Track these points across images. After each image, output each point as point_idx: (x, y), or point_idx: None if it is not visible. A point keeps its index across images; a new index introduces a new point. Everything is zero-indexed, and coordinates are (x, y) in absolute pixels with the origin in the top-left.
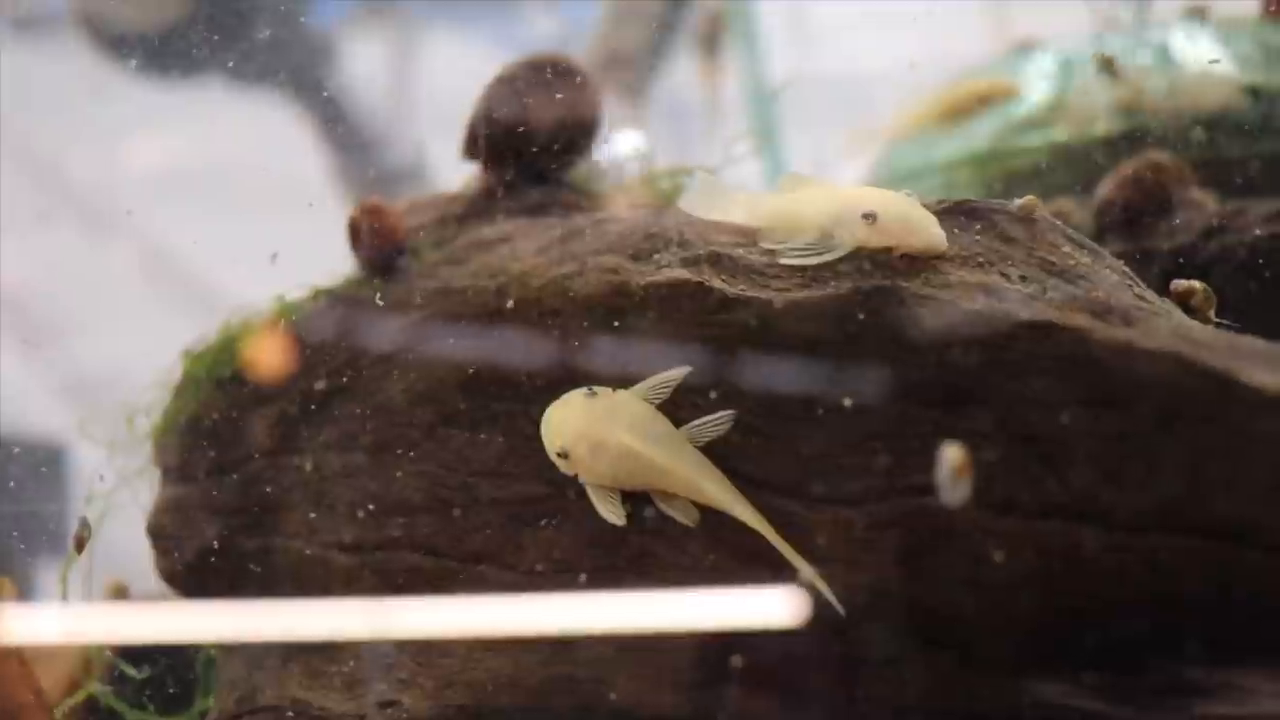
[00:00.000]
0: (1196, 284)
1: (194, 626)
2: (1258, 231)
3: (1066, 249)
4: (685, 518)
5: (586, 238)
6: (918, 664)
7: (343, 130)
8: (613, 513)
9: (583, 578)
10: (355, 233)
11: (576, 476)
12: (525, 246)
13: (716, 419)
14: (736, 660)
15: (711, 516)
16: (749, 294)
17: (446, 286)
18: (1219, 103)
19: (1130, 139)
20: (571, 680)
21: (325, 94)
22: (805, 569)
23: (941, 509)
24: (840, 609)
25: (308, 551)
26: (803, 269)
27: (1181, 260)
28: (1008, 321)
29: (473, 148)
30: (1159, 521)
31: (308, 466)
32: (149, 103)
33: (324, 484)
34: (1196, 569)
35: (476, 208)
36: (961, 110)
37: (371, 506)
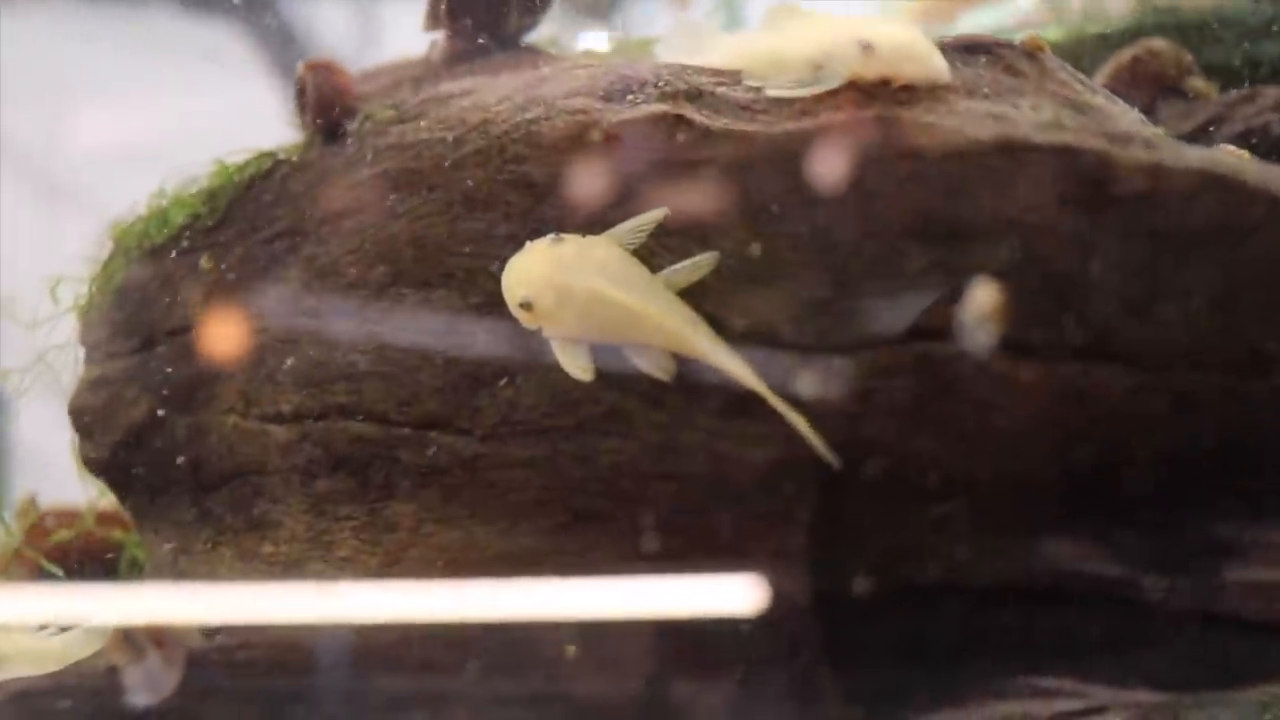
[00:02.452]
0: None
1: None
2: (1268, 117)
3: (1078, 86)
4: (661, 370)
5: (553, 83)
6: (921, 526)
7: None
8: (579, 366)
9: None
10: (301, 92)
11: (540, 331)
12: (487, 97)
13: (696, 262)
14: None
15: (690, 371)
16: (733, 127)
17: (399, 142)
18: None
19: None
20: (532, 552)
21: (278, 21)
22: (794, 419)
23: (948, 355)
24: (834, 461)
25: (243, 425)
26: (792, 101)
27: None
28: (1022, 145)
29: (434, 17)
30: (1188, 358)
31: (246, 336)
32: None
33: (264, 354)
34: (1230, 409)
35: (435, 70)
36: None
37: (314, 374)
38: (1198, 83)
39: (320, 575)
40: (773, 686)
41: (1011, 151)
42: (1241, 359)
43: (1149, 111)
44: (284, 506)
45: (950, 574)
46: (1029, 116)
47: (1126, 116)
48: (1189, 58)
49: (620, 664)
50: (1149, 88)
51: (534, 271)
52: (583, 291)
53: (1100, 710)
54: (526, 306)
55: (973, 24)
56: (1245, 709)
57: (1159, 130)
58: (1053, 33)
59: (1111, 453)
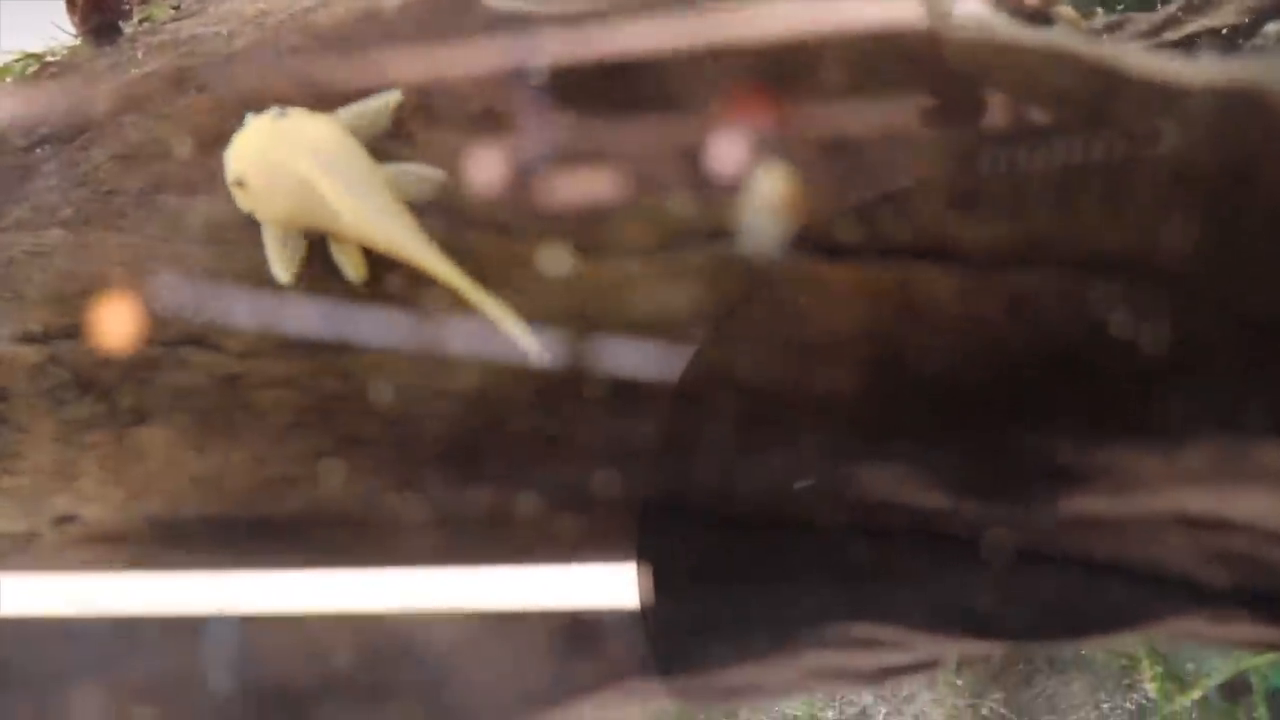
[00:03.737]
0: None
1: None
2: (1141, 44)
3: None
4: (352, 271)
5: None
6: (725, 451)
7: None
8: (282, 265)
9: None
10: None
11: (254, 215)
12: None
13: (427, 172)
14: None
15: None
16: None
17: (173, 39)
18: None
19: None
20: (286, 481)
21: None
22: (501, 315)
23: (746, 258)
24: (544, 357)
25: None
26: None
27: None
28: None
29: None
30: (1023, 255)
31: None
32: None
33: (10, 269)
34: (1071, 313)
35: None
36: None
37: (65, 289)
38: (1066, 10)
39: (62, 509)
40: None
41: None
42: (1088, 256)
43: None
44: (30, 436)
45: (758, 506)
46: None
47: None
48: None
49: None
50: (1011, 12)
51: (249, 147)
52: (292, 173)
53: (930, 664)
54: (240, 184)
55: None
56: (1103, 673)
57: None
58: None
59: (936, 365)
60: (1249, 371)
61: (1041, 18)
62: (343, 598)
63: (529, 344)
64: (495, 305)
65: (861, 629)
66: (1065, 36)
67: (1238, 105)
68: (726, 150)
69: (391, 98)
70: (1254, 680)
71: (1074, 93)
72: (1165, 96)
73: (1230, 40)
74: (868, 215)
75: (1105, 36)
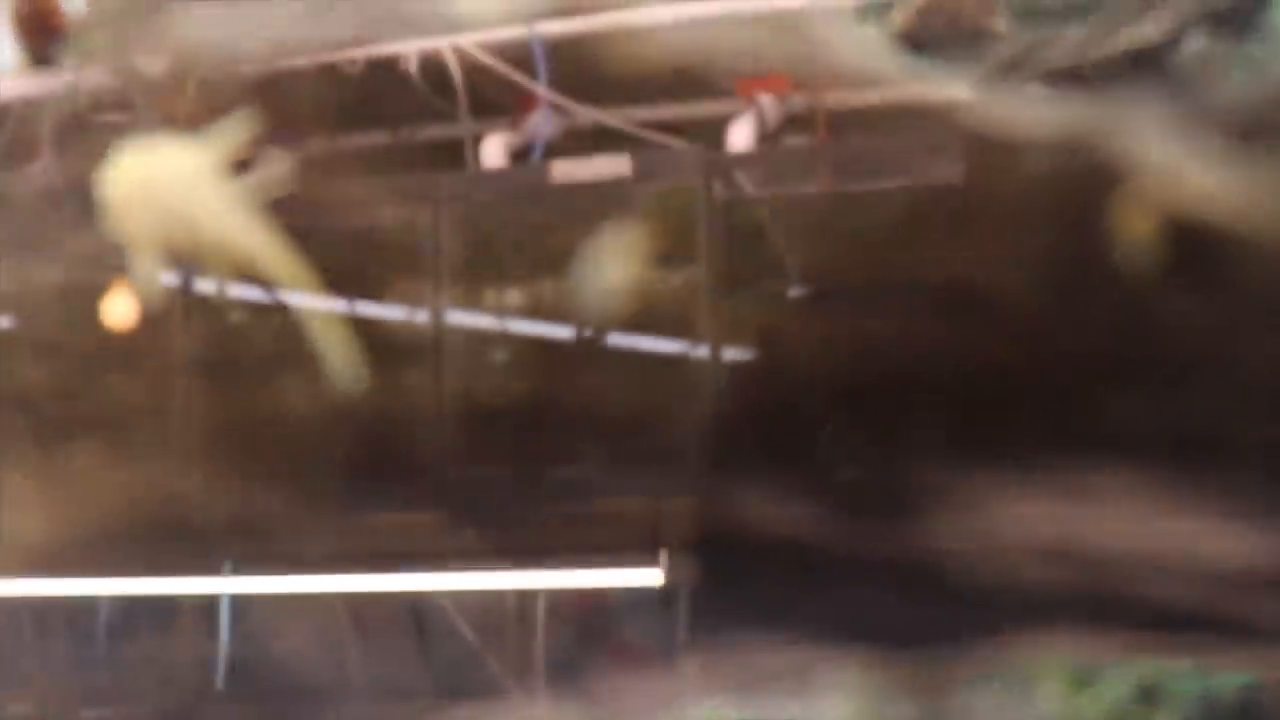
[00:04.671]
0: None
1: None
2: (1065, 60)
3: None
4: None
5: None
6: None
7: None
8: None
9: None
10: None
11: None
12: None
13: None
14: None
15: None
16: None
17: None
18: None
19: None
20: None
21: None
22: (336, 338)
23: None
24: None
25: None
26: None
27: None
28: None
29: None
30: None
31: None
32: None
33: None
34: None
35: None
36: None
37: None
38: (998, 23)
39: None
40: None
41: None
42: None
43: (947, 51)
44: None
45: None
46: None
47: None
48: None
49: None
50: (944, 29)
51: (123, 179)
52: (161, 204)
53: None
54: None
55: None
56: (1012, 680)
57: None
58: None
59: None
60: (1077, 401)
61: (973, 31)
62: None
63: (343, 372)
64: (336, 325)
65: (734, 636)
66: None
67: (1068, 152)
68: None
69: (243, 120)
70: (1158, 683)
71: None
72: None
73: (1153, 57)
74: None
75: (1035, 51)
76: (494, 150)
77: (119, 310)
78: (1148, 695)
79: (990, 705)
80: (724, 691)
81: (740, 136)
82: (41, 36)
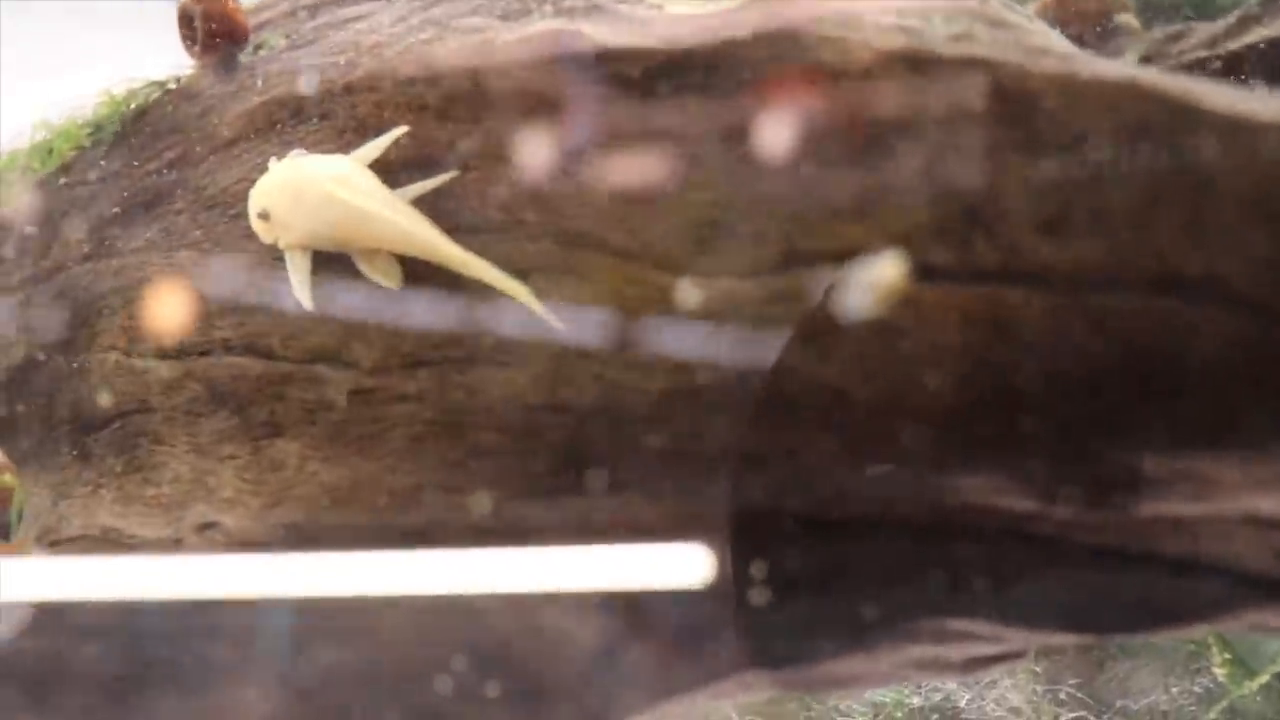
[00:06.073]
0: None
1: None
2: (1200, 54)
3: (996, 3)
4: (387, 279)
5: (452, 3)
6: (821, 459)
7: None
8: (305, 290)
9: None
10: (187, 23)
11: (277, 244)
12: (383, 20)
13: (431, 183)
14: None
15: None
16: (630, 43)
17: (291, 68)
18: None
19: None
20: (421, 489)
21: None
22: (519, 291)
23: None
24: (558, 325)
25: (125, 363)
26: (696, 17)
27: None
28: (930, 58)
29: None
30: (1106, 277)
31: (129, 270)
32: None
33: (146, 288)
34: (1149, 331)
35: None
36: None
37: (197, 308)
38: (1127, 18)
39: (203, 516)
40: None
41: (919, 64)
42: (1164, 279)
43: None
44: (167, 447)
45: (857, 509)
46: (940, 30)
47: (1045, 33)
48: None
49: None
50: (1077, 23)
51: (272, 182)
52: (315, 195)
53: (1017, 655)
54: (264, 216)
55: None
56: (1172, 658)
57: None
58: None
59: (1024, 380)
60: None
61: (1106, 26)
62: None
63: (554, 322)
64: (522, 289)
65: (955, 623)
66: (1145, 72)
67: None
68: (826, 176)
69: (397, 132)
70: None
71: (1154, 125)
72: (1239, 130)
73: None
74: (960, 239)
75: (1167, 46)
76: None
77: None
78: None
79: (1153, 682)
80: (904, 679)
81: None
82: (220, 38)
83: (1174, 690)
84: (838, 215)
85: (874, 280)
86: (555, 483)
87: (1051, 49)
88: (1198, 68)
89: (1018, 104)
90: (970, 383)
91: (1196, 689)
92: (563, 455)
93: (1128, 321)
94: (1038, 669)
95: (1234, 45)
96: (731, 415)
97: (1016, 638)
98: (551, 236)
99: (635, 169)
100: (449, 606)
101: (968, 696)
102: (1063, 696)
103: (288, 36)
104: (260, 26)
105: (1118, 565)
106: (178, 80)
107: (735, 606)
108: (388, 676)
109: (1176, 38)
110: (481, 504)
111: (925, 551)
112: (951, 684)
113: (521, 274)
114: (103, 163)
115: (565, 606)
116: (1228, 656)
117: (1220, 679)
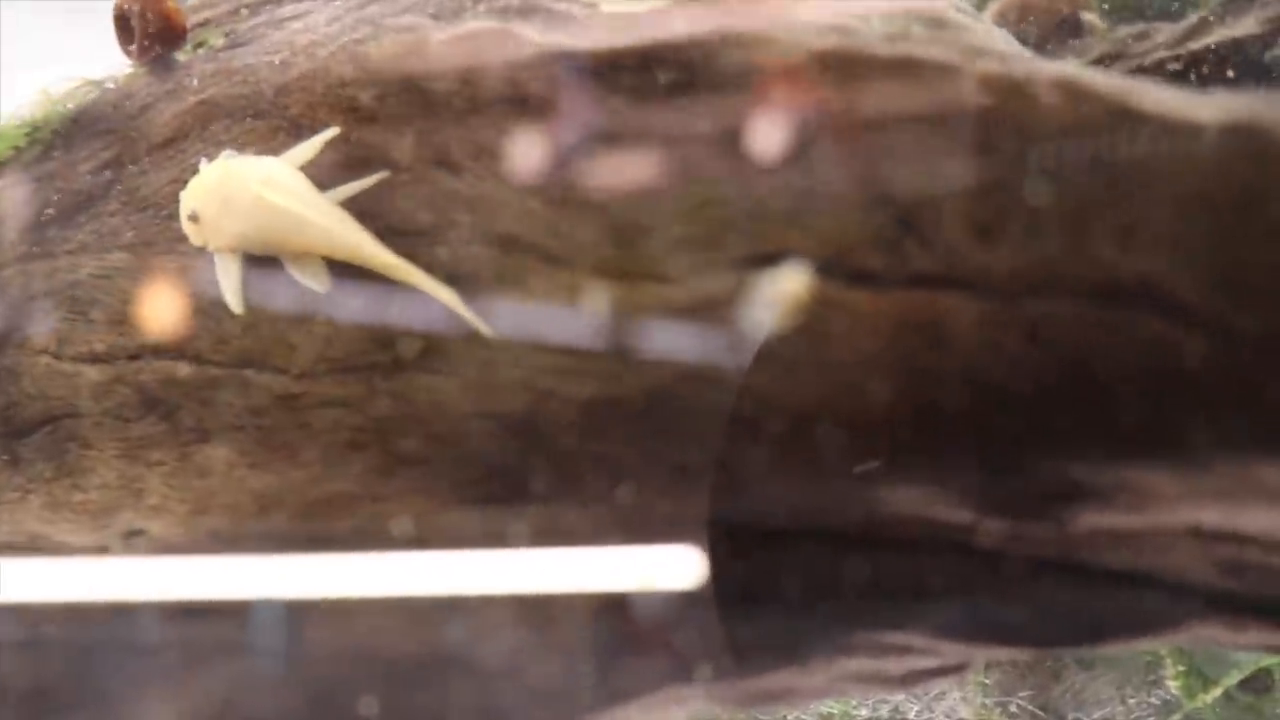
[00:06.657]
0: None
1: None
2: (1162, 54)
3: (940, 4)
4: (316, 283)
5: (386, 2)
6: (750, 469)
7: None
8: (234, 293)
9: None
10: (123, 24)
11: (207, 247)
12: (319, 19)
13: (366, 182)
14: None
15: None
16: (562, 44)
17: (227, 68)
18: None
19: None
20: (347, 496)
21: None
22: (446, 296)
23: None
24: (487, 331)
25: (56, 366)
26: (628, 18)
27: None
28: (863, 58)
29: None
30: (1041, 282)
31: (60, 272)
32: None
33: (76, 291)
34: (1085, 339)
35: None
36: None
37: (128, 311)
38: (1091, 18)
39: (130, 524)
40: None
41: (852, 65)
42: (1101, 286)
43: (1042, 46)
44: (96, 452)
45: (788, 520)
46: (877, 30)
47: (988, 33)
48: None
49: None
50: (1042, 22)
51: (202, 185)
52: (245, 198)
53: (958, 668)
54: (194, 219)
55: None
56: (1129, 669)
57: (1023, 49)
58: None
59: (958, 388)
60: (1251, 394)
61: (1071, 26)
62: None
63: (483, 328)
64: (450, 294)
65: (893, 636)
66: (1083, 72)
67: (1243, 142)
68: (757, 179)
69: (329, 133)
70: (1276, 675)
71: (1091, 127)
72: (1176, 131)
73: (1252, 50)
74: (893, 243)
75: (1130, 46)
76: None
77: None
78: (1257, 685)
79: (1109, 694)
80: (841, 692)
81: None
82: (157, 38)
83: (1130, 702)
84: (768, 219)
85: (778, 292)
86: (483, 491)
87: (990, 49)
88: (1159, 68)
89: (952, 105)
90: (902, 391)
91: (1154, 700)
92: (491, 464)
93: (1064, 328)
94: (988, 681)
95: (1195, 45)
96: (661, 424)
97: (956, 651)
98: (482, 240)
99: (566, 172)
100: (365, 612)
101: (916, 708)
102: (1014, 709)
103: (227, 35)
104: (201, 25)
105: (1057, 578)
106: (115, 80)
107: (664, 618)
108: (302, 687)
109: (1140, 38)
110: (408, 512)
111: (858, 564)
112: (899, 696)
113: (452, 278)
114: (39, 163)
115: (475, 618)
116: (1182, 669)
117: (1175, 690)
